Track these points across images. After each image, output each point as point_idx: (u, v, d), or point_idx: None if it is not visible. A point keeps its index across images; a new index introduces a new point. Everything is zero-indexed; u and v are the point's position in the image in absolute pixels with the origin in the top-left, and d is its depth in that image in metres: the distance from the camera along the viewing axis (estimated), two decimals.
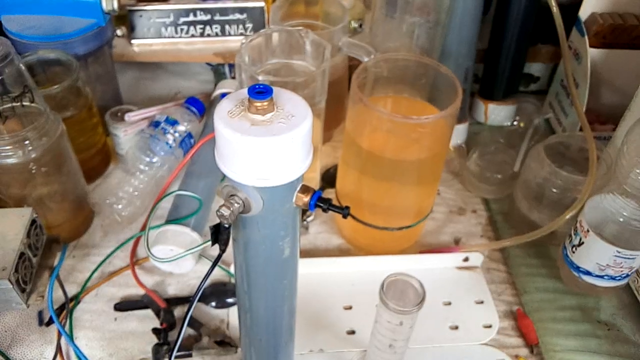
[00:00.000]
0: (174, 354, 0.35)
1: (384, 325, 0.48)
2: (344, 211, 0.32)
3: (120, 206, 0.65)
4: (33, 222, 0.54)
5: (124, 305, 0.60)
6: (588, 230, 0.57)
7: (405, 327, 0.47)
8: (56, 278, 0.54)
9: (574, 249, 0.60)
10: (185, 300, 0.61)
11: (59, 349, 0.55)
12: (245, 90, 0.29)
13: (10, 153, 0.54)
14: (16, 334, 0.57)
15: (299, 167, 0.31)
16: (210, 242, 0.32)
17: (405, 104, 0.64)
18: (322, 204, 0.32)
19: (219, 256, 0.32)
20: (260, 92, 0.29)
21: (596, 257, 0.58)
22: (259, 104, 0.29)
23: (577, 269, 0.61)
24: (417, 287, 0.46)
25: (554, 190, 0.64)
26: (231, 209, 0.29)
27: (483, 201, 0.76)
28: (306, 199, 0.32)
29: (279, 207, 0.31)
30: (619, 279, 0.59)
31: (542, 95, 0.90)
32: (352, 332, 0.60)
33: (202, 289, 0.33)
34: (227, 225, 0.30)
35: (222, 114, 0.30)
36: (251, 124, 0.29)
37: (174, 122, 0.72)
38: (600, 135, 0.76)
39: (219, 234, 0.30)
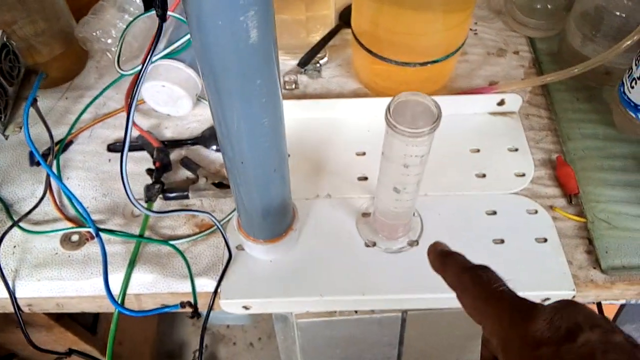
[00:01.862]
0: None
1: (391, 160, 0.41)
2: None
3: (109, 40, 0.59)
4: (4, 46, 0.48)
5: (118, 146, 0.56)
6: None
7: (415, 161, 0.40)
8: (32, 108, 0.49)
9: (633, 83, 0.50)
10: (181, 143, 0.56)
11: (48, 186, 0.52)
12: None
13: None
14: (7, 173, 0.54)
15: None
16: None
17: None
18: None
19: (160, 28, 0.25)
20: None
21: None
22: None
23: (635, 107, 0.51)
24: (432, 107, 0.38)
25: (617, 13, 0.52)
26: None
27: (528, 41, 0.65)
28: None
29: None
30: None
31: None
32: (364, 179, 0.54)
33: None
34: None
35: None
36: None
37: None
38: None
39: None
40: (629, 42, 0.49)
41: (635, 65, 0.50)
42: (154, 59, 0.50)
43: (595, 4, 0.54)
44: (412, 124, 0.38)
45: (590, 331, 0.24)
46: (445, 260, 0.32)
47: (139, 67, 0.53)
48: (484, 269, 0.30)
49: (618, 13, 0.52)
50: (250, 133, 0.34)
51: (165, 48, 0.58)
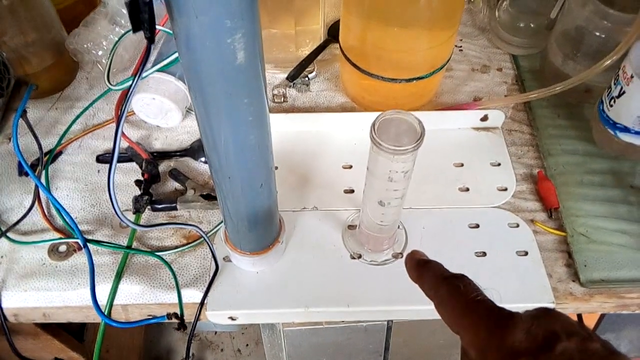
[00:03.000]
0: None
1: (376, 176, 0.42)
2: None
3: (100, 52, 0.59)
4: None
5: (107, 157, 0.56)
6: (632, 77, 0.48)
7: (399, 176, 0.41)
8: (21, 119, 0.50)
9: (612, 101, 0.52)
10: (170, 154, 0.57)
11: (36, 197, 0.52)
12: None
13: None
14: None
15: None
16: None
17: None
18: None
19: (148, 49, 0.26)
20: None
21: (638, 109, 0.49)
22: None
23: (614, 125, 0.52)
24: (416, 126, 0.39)
25: (597, 34, 0.54)
26: None
27: (511, 58, 0.67)
28: None
29: None
30: None
31: None
32: (351, 191, 0.55)
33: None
34: (146, 0, 0.23)
35: None
36: None
37: None
38: None
39: (139, 13, 0.24)
40: (608, 62, 0.50)
41: (614, 84, 0.51)
42: (143, 74, 0.51)
43: (576, 24, 0.55)
44: (397, 141, 0.39)
45: (568, 340, 0.24)
46: (422, 269, 0.32)
47: (128, 83, 0.54)
48: (461, 278, 0.29)
49: (597, 33, 0.54)
50: (237, 149, 0.35)
51: (156, 60, 0.58)
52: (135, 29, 0.25)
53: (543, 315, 0.26)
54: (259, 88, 0.32)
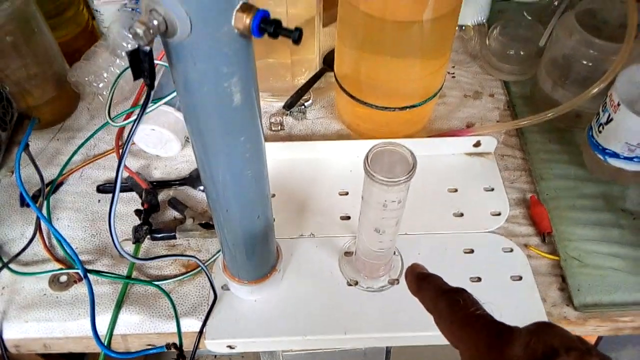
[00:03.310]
0: None
1: (371, 205, 0.43)
2: (294, 34, 0.26)
3: (101, 85, 0.61)
4: None
5: (108, 187, 0.57)
6: (619, 104, 0.50)
7: (393, 205, 0.42)
8: (24, 152, 0.51)
9: (600, 128, 0.53)
10: (170, 183, 0.58)
11: (37, 228, 0.53)
12: None
13: None
14: None
15: None
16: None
17: None
18: (267, 27, 0.26)
19: (148, 95, 0.27)
20: None
21: (626, 135, 0.51)
22: None
23: (603, 151, 0.54)
24: (408, 157, 0.40)
25: (584, 62, 0.55)
26: (148, 26, 0.24)
27: (502, 84, 0.68)
28: (247, 19, 0.26)
29: (213, 29, 0.26)
30: None
31: None
32: (347, 218, 0.56)
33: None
34: (146, 50, 0.25)
35: None
36: None
37: None
38: None
39: (139, 63, 0.25)
40: (595, 90, 0.52)
41: (602, 111, 0.53)
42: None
43: (564, 52, 0.57)
44: (390, 169, 0.40)
45: (567, 354, 0.24)
46: (422, 283, 0.32)
47: (128, 120, 0.56)
48: (461, 292, 0.29)
49: (585, 62, 0.55)
50: (234, 184, 0.36)
51: (155, 92, 0.60)
52: (135, 77, 0.26)
53: (542, 330, 0.26)
54: (255, 126, 0.33)
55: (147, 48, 0.25)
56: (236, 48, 0.28)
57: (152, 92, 0.27)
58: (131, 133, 0.28)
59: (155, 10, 0.24)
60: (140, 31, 0.24)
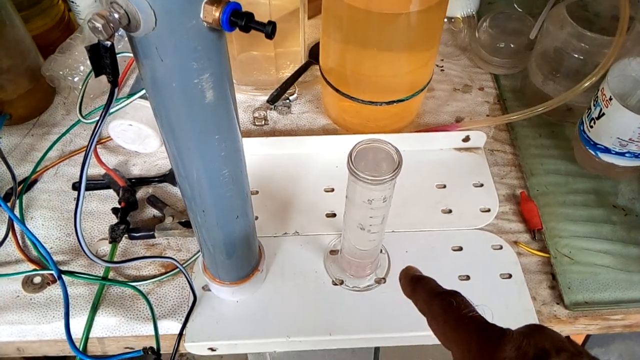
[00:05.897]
0: None
1: (355, 203, 0.41)
2: (267, 28, 0.24)
3: (77, 78, 0.58)
4: None
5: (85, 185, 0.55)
6: (610, 99, 0.48)
7: (379, 203, 0.40)
8: None
9: (592, 122, 0.52)
10: (148, 180, 0.56)
11: (10, 227, 0.51)
12: None
13: None
14: None
15: None
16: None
17: None
18: (237, 20, 0.24)
19: (111, 93, 0.25)
20: None
21: (617, 130, 0.49)
22: None
23: (595, 146, 0.52)
24: (393, 154, 0.39)
25: (575, 55, 0.54)
26: (108, 19, 0.22)
27: (492, 78, 0.67)
28: (216, 12, 0.24)
29: (179, 23, 0.24)
30: None
31: None
32: (333, 215, 0.54)
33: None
34: (107, 45, 0.23)
35: None
36: None
37: None
38: None
39: (100, 58, 0.23)
40: (587, 84, 0.51)
41: (594, 105, 0.51)
42: (111, 110, 0.50)
43: (555, 45, 0.55)
44: (375, 168, 0.39)
45: (557, 356, 0.24)
46: (415, 285, 0.32)
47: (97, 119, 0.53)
48: (454, 294, 0.30)
49: (576, 55, 0.54)
50: (211, 184, 0.34)
51: (133, 86, 0.58)
52: (97, 74, 0.24)
53: (534, 332, 0.26)
54: (231, 123, 0.32)
55: (108, 43, 0.23)
56: (206, 43, 0.26)
57: (117, 90, 0.25)
58: (94, 134, 0.26)
59: (116, 3, 0.22)
60: (99, 25, 0.22)
